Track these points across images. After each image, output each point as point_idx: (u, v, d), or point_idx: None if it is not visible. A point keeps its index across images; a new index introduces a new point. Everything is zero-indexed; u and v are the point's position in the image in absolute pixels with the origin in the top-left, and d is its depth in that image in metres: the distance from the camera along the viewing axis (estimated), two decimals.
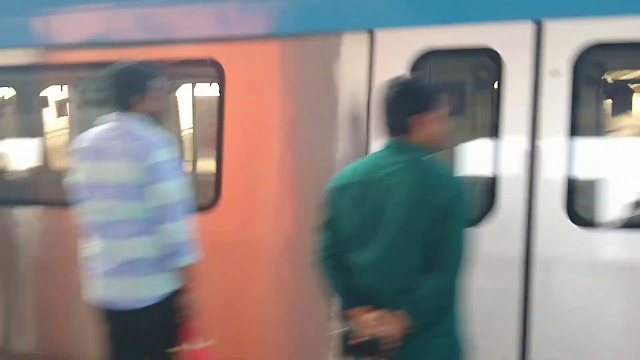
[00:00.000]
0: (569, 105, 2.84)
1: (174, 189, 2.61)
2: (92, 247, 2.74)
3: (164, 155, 2.61)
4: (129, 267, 2.64)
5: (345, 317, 2.15)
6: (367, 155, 2.29)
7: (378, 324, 2.02)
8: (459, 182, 2.13)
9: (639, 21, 2.79)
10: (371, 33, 3.14)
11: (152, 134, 2.68)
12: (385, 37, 3.14)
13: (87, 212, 2.73)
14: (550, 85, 2.88)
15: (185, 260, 2.65)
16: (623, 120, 3.83)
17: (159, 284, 2.67)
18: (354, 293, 2.13)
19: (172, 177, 2.61)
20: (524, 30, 2.94)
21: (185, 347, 2.69)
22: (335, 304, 2.20)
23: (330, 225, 2.21)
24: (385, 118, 2.18)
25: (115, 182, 2.62)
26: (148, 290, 2.66)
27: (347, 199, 2.14)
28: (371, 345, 2.03)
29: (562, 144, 2.86)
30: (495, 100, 3.01)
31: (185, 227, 2.63)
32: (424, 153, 2.14)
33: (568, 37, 2.87)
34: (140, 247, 2.63)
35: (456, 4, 3.11)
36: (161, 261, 2.65)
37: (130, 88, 2.70)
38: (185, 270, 2.68)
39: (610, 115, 3.82)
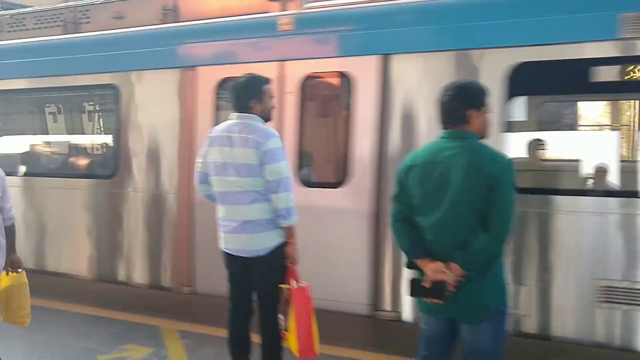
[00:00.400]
0: None
1: (284, 167, 3.23)
2: (222, 211, 3.40)
3: (275, 143, 3.23)
4: (248, 226, 3.28)
5: (415, 267, 2.62)
6: (429, 142, 2.71)
7: (439, 272, 2.47)
8: (505, 159, 2.52)
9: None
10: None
11: (265, 128, 3.30)
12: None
13: (218, 184, 3.37)
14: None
15: (291, 221, 3.29)
16: None
17: (271, 238, 3.30)
18: (421, 248, 2.57)
19: (282, 159, 3.23)
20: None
21: (290, 285, 3.29)
22: (407, 256, 2.67)
23: (402, 195, 2.66)
24: (444, 112, 2.63)
25: (239, 162, 3.25)
26: (262, 243, 3.29)
27: (414, 175, 2.59)
28: (435, 289, 2.45)
29: None
30: None
31: (291, 197, 3.26)
32: (475, 139, 2.58)
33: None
34: (258, 210, 3.26)
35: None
36: (272, 221, 3.29)
37: (248, 95, 3.33)
38: (289, 228, 3.32)
39: None
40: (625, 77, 3.62)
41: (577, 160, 4.33)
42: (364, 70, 4.16)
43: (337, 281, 4.27)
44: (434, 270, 2.51)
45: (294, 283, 3.30)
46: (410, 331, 2.79)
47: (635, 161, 3.92)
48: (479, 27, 3.89)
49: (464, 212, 2.47)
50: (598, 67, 3.62)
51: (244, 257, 3.35)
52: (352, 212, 4.24)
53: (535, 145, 4.52)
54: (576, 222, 3.72)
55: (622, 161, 4.37)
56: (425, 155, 2.62)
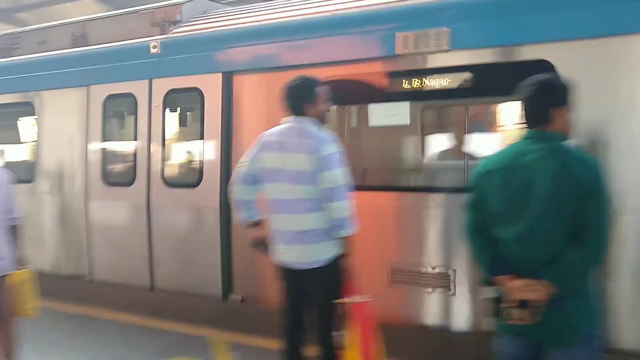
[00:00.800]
0: None
1: (340, 175, 2.96)
2: (275, 220, 3.16)
3: (332, 149, 2.97)
4: (304, 236, 3.03)
5: (493, 284, 2.30)
6: (509, 145, 2.40)
7: (525, 290, 2.16)
8: (598, 164, 2.20)
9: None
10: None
11: (321, 132, 3.04)
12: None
13: (271, 191, 3.13)
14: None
15: (348, 231, 3.02)
16: None
17: (327, 249, 3.05)
18: (501, 263, 2.27)
19: (338, 166, 2.97)
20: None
21: (348, 299, 3.03)
22: (485, 272, 2.36)
23: (477, 204, 2.35)
24: (526, 111, 2.31)
25: (294, 169, 3.00)
26: (318, 254, 3.05)
27: (493, 182, 2.28)
28: (520, 309, 2.16)
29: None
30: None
31: (349, 205, 2.99)
32: (562, 140, 2.25)
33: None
34: (313, 220, 3.01)
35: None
36: (328, 231, 3.03)
37: (302, 98, 3.08)
38: (347, 239, 3.05)
39: None
40: (405, 87, 4.05)
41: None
42: (210, 86, 4.77)
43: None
44: (518, 288, 2.21)
45: (353, 297, 3.04)
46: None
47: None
48: (288, 48, 4.40)
49: (553, 224, 2.16)
50: (385, 80, 4.11)
51: (299, 269, 3.11)
52: (205, 207, 4.80)
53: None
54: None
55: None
56: (505, 159, 2.31)
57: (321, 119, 3.14)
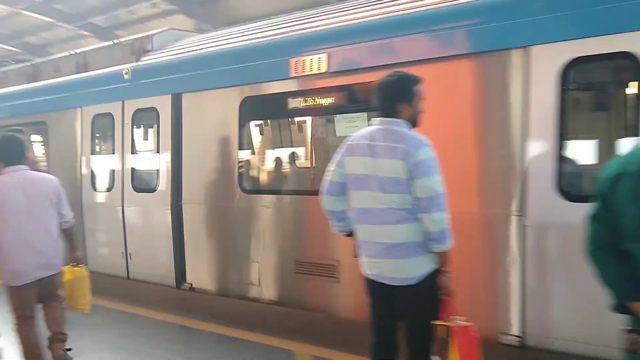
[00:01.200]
0: None
1: (437, 183, 2.68)
2: (362, 231, 2.91)
3: (427, 153, 2.69)
4: (395, 250, 2.77)
5: (627, 311, 1.96)
6: None
7: None
8: None
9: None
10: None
11: (415, 135, 2.77)
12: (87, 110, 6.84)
13: (358, 200, 2.88)
14: None
15: (445, 246, 2.73)
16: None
17: (421, 264, 2.77)
18: (636, 286, 1.92)
19: (435, 173, 2.69)
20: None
21: (446, 321, 2.73)
22: (615, 296, 2.01)
23: (605, 215, 2.01)
24: None
25: (384, 175, 2.75)
26: (412, 270, 2.78)
27: (624, 188, 1.94)
28: None
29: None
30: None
31: (446, 217, 2.70)
32: None
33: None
34: (406, 232, 2.74)
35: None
36: (423, 245, 2.75)
37: (397, 97, 2.82)
38: (443, 254, 2.77)
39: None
40: (301, 105, 4.90)
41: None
42: (163, 105, 5.88)
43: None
44: None
45: (453, 319, 2.74)
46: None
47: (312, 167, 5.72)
48: (222, 73, 5.41)
49: None
50: (285, 99, 4.98)
51: (390, 286, 2.86)
52: (162, 207, 5.87)
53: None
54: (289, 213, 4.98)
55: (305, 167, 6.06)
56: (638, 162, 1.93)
57: (414, 121, 2.87)
